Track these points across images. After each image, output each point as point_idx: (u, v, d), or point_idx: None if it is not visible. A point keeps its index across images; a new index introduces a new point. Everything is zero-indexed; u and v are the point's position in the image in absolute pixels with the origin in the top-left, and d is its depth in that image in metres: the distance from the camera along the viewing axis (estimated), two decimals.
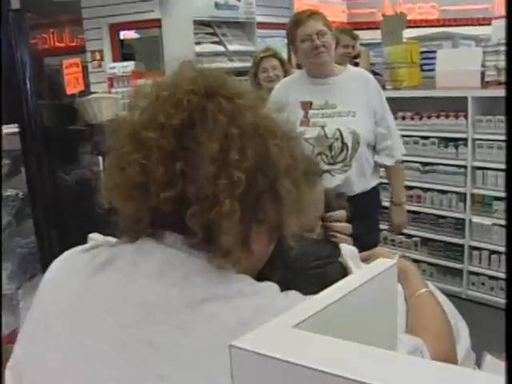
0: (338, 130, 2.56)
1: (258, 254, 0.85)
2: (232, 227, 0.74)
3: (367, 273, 0.61)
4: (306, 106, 2.61)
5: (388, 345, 0.64)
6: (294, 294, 0.78)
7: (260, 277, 0.84)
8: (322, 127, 2.57)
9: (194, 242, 0.77)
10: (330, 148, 2.56)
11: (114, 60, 5.18)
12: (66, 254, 0.88)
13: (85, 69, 2.50)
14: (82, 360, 0.75)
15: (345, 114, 2.59)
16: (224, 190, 0.74)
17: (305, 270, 0.98)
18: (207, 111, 0.77)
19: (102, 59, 5.13)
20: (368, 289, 0.60)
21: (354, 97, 2.62)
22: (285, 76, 3.58)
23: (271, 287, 0.79)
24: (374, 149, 2.70)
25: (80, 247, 0.88)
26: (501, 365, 0.48)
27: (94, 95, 2.45)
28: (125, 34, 6.31)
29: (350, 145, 2.56)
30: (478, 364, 1.30)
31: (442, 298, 1.33)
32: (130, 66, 4.83)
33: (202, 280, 0.76)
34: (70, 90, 2.15)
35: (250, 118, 0.78)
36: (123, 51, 5.46)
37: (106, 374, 0.73)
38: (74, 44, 2.51)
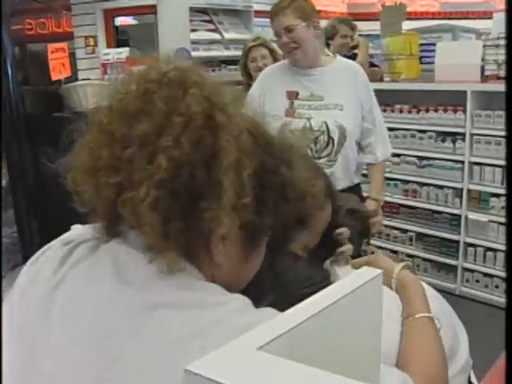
0: (325, 123, 2.46)
1: (229, 268, 0.79)
2: (147, 215, 0.69)
3: (348, 284, 0.54)
4: (292, 95, 2.51)
5: (370, 367, 0.57)
6: (267, 311, 0.71)
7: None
8: (308, 119, 2.47)
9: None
10: (316, 141, 2.46)
11: (109, 46, 5.08)
12: (45, 247, 0.86)
13: (73, 55, 2.42)
14: (31, 353, 0.72)
15: (332, 107, 2.49)
16: (144, 174, 0.69)
17: (297, 295, 0.90)
18: (153, 97, 0.73)
19: (95, 45, 5.04)
20: (349, 302, 0.53)
21: (342, 89, 2.52)
22: None
23: (239, 299, 0.72)
24: (359, 144, 2.62)
25: (58, 242, 0.85)
26: None
27: (79, 82, 2.37)
28: (122, 21, 6.22)
29: (336, 139, 2.47)
30: (474, 366, 1.25)
31: (444, 305, 1.27)
32: (124, 52, 4.73)
33: (160, 284, 0.70)
34: (55, 76, 2.07)
35: (203, 109, 0.72)
36: (118, 37, 5.37)
37: (55, 371, 0.69)
38: (60, 30, 2.43)
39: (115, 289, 0.70)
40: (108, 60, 4.73)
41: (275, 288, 0.84)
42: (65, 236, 0.86)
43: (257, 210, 0.75)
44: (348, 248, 1.17)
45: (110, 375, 0.65)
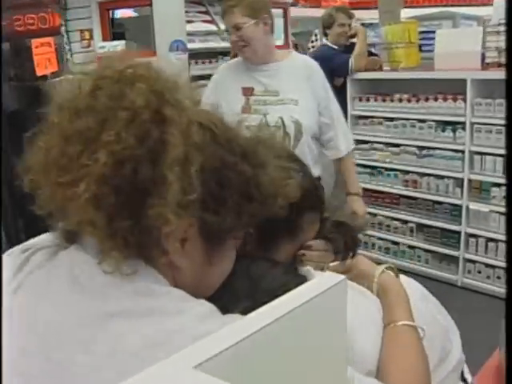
0: (280, 118, 2.44)
1: (191, 271, 0.75)
2: (86, 212, 0.66)
3: (307, 292, 0.50)
4: (248, 92, 2.50)
5: (336, 379, 0.53)
6: (232, 317, 0.66)
7: (220, 307, 0.73)
8: (264, 115, 2.46)
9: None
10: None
11: (104, 39, 5.03)
12: (6, 253, 0.82)
13: (59, 50, 2.38)
14: None
15: (287, 102, 2.48)
16: (85, 171, 0.66)
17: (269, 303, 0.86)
18: (99, 93, 0.70)
19: (91, 38, 4.98)
20: (307, 311, 0.49)
21: (297, 84, 2.51)
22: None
23: (202, 306, 0.68)
24: (318, 140, 2.62)
25: (17, 249, 0.82)
26: None
27: (66, 76, 2.31)
28: (122, 13, 6.14)
29: (292, 135, 2.44)
30: (469, 361, 1.22)
31: (435, 306, 1.23)
32: (119, 45, 4.67)
33: (116, 292, 0.66)
34: (40, 72, 2.02)
35: (149, 104, 0.69)
36: (114, 30, 5.30)
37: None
38: (46, 26, 2.38)
39: (69, 298, 0.67)
40: (104, 53, 4.68)
41: (250, 294, 0.79)
42: (26, 243, 0.83)
43: (214, 209, 0.72)
44: (323, 255, 1.10)
45: None
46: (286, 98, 2.48)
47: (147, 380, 0.39)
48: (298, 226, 1.05)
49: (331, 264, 1.16)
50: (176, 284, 0.73)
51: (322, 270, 1.07)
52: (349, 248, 1.11)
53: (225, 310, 0.71)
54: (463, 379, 1.23)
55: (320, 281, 0.51)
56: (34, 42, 2.02)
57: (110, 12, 5.30)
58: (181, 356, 0.41)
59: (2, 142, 1.93)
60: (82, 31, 4.92)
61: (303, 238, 1.08)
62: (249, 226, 0.80)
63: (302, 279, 0.92)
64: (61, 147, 0.69)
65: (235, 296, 0.80)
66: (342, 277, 0.52)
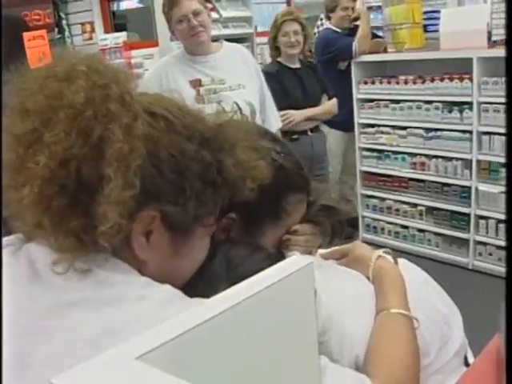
0: (235, 103, 2.58)
1: (156, 264, 0.74)
2: (29, 215, 0.67)
3: (270, 276, 0.47)
4: (196, 84, 2.64)
5: (302, 368, 0.50)
6: (194, 301, 0.65)
7: (197, 292, 0.71)
8: (218, 102, 2.60)
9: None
10: None
11: (106, 31, 5.00)
12: None
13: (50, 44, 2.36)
14: None
15: (236, 88, 2.66)
16: (28, 173, 0.66)
17: None
18: (43, 93, 0.69)
19: (92, 31, 4.95)
20: (270, 296, 0.46)
21: (239, 70, 2.71)
22: (305, 42, 3.62)
23: (164, 292, 0.66)
24: None
25: None
26: None
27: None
28: (126, 4, 6.11)
29: (248, 116, 2.50)
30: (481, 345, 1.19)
31: (435, 291, 1.19)
32: (121, 37, 4.64)
33: (76, 284, 0.65)
34: (33, 65, 1.99)
35: (89, 100, 0.67)
36: (116, 22, 5.27)
37: None
38: (40, 23, 2.35)
39: (31, 292, 0.66)
40: (106, 45, 4.66)
41: (227, 279, 0.77)
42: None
43: (174, 199, 0.71)
44: (308, 240, 1.07)
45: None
46: (234, 84, 2.66)
47: (86, 372, 0.36)
48: (283, 208, 1.02)
49: (327, 250, 1.13)
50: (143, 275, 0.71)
51: (310, 254, 1.04)
52: (336, 232, 1.08)
53: (202, 295, 0.69)
54: (467, 364, 1.20)
55: (285, 264, 0.48)
56: (26, 35, 2.00)
57: (111, 4, 5.28)
58: (127, 345, 0.39)
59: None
60: (83, 24, 4.91)
61: (289, 221, 1.05)
62: (216, 212, 0.79)
63: None
64: (14, 149, 0.68)
65: (213, 281, 0.78)
66: (309, 260, 0.49)
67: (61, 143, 0.65)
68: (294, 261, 0.49)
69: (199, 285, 0.77)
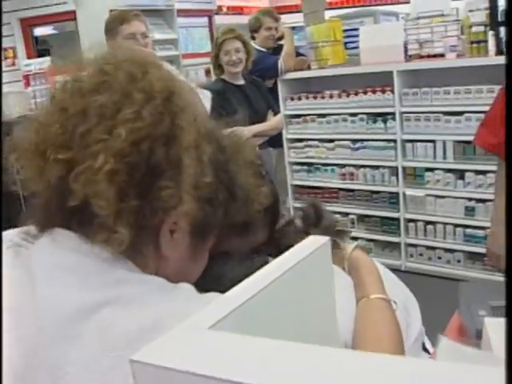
0: None
1: (175, 263, 0.77)
2: (104, 186, 0.66)
3: (294, 255, 0.53)
4: None
5: (327, 334, 0.56)
6: (212, 295, 0.69)
7: None
8: None
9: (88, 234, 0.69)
10: None
11: (29, 57, 4.91)
12: None
13: None
14: None
15: None
16: (102, 145, 0.67)
17: None
18: (112, 73, 0.72)
19: (15, 57, 4.84)
20: (297, 274, 0.52)
21: None
22: (247, 59, 3.60)
23: (186, 289, 0.70)
24: None
25: None
26: (457, 346, 0.42)
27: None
28: (41, 31, 6.01)
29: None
30: (428, 333, 1.27)
31: (396, 282, 1.27)
32: (45, 62, 4.58)
33: (97, 282, 0.66)
34: None
35: (162, 90, 0.72)
36: (39, 47, 5.18)
37: None
38: None
39: (48, 293, 0.65)
40: (30, 71, 4.57)
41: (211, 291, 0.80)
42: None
43: (209, 201, 0.74)
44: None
45: None
46: None
47: (163, 346, 0.40)
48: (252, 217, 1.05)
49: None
50: (157, 274, 0.73)
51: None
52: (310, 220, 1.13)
53: None
54: (425, 349, 1.29)
55: (305, 244, 0.54)
56: None
57: (33, 29, 5.19)
58: (192, 322, 0.43)
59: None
60: (5, 49, 4.80)
61: (253, 239, 1.07)
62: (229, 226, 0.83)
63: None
64: (62, 124, 0.69)
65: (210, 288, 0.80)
66: (326, 238, 0.55)
67: (138, 121, 0.67)
68: (311, 241, 0.55)
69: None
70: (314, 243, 0.54)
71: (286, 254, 0.54)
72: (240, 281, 0.76)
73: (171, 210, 0.70)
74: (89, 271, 0.67)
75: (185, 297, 0.68)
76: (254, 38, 4.56)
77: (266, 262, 0.98)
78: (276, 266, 0.51)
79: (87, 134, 0.68)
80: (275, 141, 4.40)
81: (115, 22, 2.85)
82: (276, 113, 3.80)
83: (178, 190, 0.69)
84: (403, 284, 1.29)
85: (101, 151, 0.66)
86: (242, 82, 3.66)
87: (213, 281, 0.86)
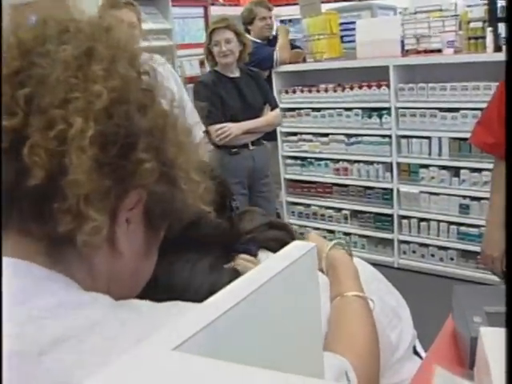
0: None
1: (129, 261, 0.66)
2: (82, 160, 0.55)
3: (278, 262, 0.47)
4: None
5: (313, 350, 0.51)
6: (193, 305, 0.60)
7: None
8: None
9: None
10: None
11: None
12: None
13: None
14: None
15: None
16: (76, 106, 0.56)
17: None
18: (68, 31, 0.62)
19: None
20: (280, 282, 0.47)
21: None
22: (242, 50, 3.40)
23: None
24: None
25: None
26: (452, 378, 0.38)
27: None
28: None
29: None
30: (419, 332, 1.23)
31: (384, 284, 1.22)
32: None
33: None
34: None
35: (125, 47, 0.64)
36: None
37: None
38: None
39: None
40: None
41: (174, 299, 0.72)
42: None
43: (168, 180, 0.65)
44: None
45: None
46: None
47: (122, 369, 0.35)
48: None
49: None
50: (109, 277, 0.66)
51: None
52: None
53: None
54: (415, 352, 1.25)
55: (289, 250, 0.49)
56: None
57: None
58: (156, 339, 0.38)
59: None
60: None
61: None
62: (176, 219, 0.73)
63: (236, 274, 0.87)
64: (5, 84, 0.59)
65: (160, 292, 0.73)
66: (312, 244, 0.50)
67: (112, 80, 0.59)
68: (296, 246, 0.50)
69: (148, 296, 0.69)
70: (299, 250, 0.49)
71: (267, 261, 0.48)
72: (208, 291, 0.68)
73: (139, 188, 0.61)
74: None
75: (166, 305, 0.61)
76: (248, 32, 4.48)
77: (236, 271, 0.93)
78: (255, 275, 0.46)
79: (42, 95, 0.56)
80: (269, 134, 4.34)
81: (104, 7, 2.79)
82: (273, 107, 3.59)
83: (155, 164, 0.60)
84: (394, 289, 1.25)
85: (73, 113, 0.55)
86: (236, 74, 3.47)
87: (174, 290, 0.80)
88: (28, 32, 0.61)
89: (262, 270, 0.47)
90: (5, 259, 0.57)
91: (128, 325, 0.56)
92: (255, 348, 0.42)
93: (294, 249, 0.50)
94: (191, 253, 0.91)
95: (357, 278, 1.02)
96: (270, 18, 4.37)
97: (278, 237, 1.07)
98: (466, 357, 0.94)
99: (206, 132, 3.32)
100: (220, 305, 0.41)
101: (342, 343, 0.85)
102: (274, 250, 1.02)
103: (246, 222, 1.08)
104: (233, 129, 3.33)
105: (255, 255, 1.02)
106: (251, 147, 3.48)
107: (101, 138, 0.56)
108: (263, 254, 1.02)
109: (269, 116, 3.54)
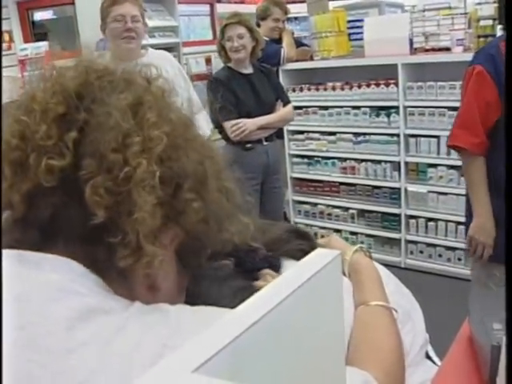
0: None
1: (165, 296, 0.67)
2: (149, 199, 0.59)
3: (302, 272, 0.45)
4: None
5: (337, 364, 0.48)
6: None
7: None
8: None
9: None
10: None
11: (26, 41, 4.80)
12: None
13: None
14: None
15: None
16: (136, 149, 0.60)
17: None
18: (113, 80, 0.67)
19: (11, 41, 4.73)
20: (305, 293, 0.44)
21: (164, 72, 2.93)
22: (255, 46, 3.38)
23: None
24: None
25: None
26: None
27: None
28: (40, 15, 5.88)
29: None
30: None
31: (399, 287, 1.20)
32: (43, 46, 4.47)
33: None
34: None
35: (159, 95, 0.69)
36: (36, 31, 5.07)
37: None
38: None
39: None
40: (26, 56, 4.48)
41: None
42: None
43: (204, 219, 0.66)
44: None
45: None
46: None
47: None
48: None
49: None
50: None
51: None
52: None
53: None
54: (428, 357, 1.23)
55: (313, 259, 0.46)
56: None
57: (31, 13, 5.07)
58: (175, 360, 0.36)
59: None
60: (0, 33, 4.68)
61: None
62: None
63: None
64: (50, 126, 0.63)
65: None
66: (336, 251, 0.47)
67: (165, 125, 0.64)
68: (320, 255, 0.47)
69: None
70: (323, 258, 0.46)
71: (290, 271, 0.46)
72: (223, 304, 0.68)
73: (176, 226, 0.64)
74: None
75: (193, 309, 0.63)
76: (259, 26, 4.45)
77: (252, 287, 0.90)
78: (278, 288, 0.43)
79: (96, 139, 0.60)
80: (275, 132, 4.31)
81: (107, 2, 2.76)
82: (286, 103, 3.55)
83: (202, 203, 0.63)
84: (408, 291, 1.22)
85: (135, 157, 0.60)
86: (250, 70, 3.45)
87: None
88: (72, 80, 0.65)
89: (285, 281, 0.45)
90: (39, 254, 0.60)
91: (154, 329, 0.57)
92: (277, 364, 0.40)
93: (318, 257, 0.47)
94: (216, 276, 0.89)
95: (381, 285, 1.00)
96: (283, 21, 4.31)
97: (301, 248, 1.05)
98: (485, 365, 0.91)
99: (220, 127, 3.33)
100: (242, 320, 0.38)
101: (366, 356, 0.84)
102: (298, 258, 1.00)
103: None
104: (248, 124, 3.32)
105: (278, 270, 0.99)
106: (265, 143, 3.48)
107: (161, 178, 0.61)
108: (287, 262, 0.99)
109: (282, 112, 3.53)
